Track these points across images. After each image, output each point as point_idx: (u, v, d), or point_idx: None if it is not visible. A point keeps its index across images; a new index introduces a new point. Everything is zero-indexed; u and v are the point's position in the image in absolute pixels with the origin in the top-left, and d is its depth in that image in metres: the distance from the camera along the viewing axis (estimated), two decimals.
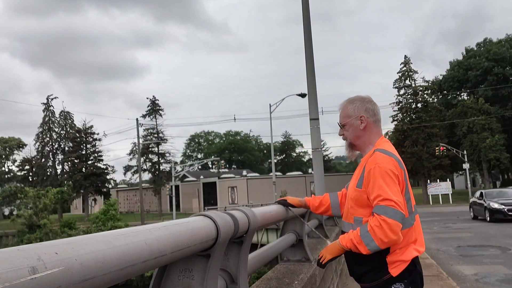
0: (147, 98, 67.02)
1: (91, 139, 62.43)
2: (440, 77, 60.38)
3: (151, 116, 63.52)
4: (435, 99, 57.60)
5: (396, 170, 2.08)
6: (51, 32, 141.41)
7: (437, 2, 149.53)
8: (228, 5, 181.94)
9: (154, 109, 63.86)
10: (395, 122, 55.94)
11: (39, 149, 65.34)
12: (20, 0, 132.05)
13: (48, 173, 64.91)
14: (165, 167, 62.76)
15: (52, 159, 65.95)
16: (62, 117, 67.79)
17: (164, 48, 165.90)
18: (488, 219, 21.40)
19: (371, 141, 2.28)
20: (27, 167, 65.55)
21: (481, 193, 24.15)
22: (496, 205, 21.59)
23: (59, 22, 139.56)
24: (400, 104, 55.40)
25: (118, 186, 76.45)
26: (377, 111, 2.35)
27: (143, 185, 53.36)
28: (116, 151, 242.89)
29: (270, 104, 35.50)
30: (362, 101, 2.33)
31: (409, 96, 55.22)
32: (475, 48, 57.98)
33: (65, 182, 59.24)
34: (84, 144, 62.07)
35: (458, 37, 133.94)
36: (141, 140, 53.54)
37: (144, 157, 61.14)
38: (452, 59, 61.06)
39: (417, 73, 55.90)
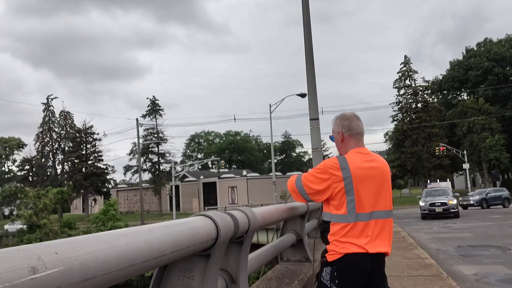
0: (147, 98, 67.08)
1: (91, 139, 62.44)
2: (440, 77, 60.32)
3: (151, 116, 63.56)
4: (435, 99, 57.56)
5: (331, 167, 2.57)
6: (53, 32, 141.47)
7: (436, 3, 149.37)
8: (229, 6, 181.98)
9: (154, 109, 63.86)
10: (395, 122, 55.93)
11: (39, 149, 65.32)
12: (22, 0, 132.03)
13: (48, 173, 64.87)
14: (165, 167, 62.81)
15: (52, 159, 65.93)
16: (62, 117, 67.82)
17: (165, 49, 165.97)
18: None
19: (347, 152, 2.74)
20: (27, 167, 65.55)
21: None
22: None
23: (61, 22, 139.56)
24: (400, 104, 55.40)
25: (118, 186, 76.39)
26: (353, 126, 2.77)
27: (143, 185, 53.34)
28: (116, 151, 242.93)
29: (270, 104, 35.51)
30: (341, 119, 2.81)
31: (409, 96, 55.20)
32: (475, 48, 57.88)
33: (65, 182, 59.21)
34: (84, 144, 62.06)
35: (457, 37, 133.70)
36: (141, 140, 53.51)
37: (144, 157, 61.12)
38: (452, 59, 60.98)
39: (417, 73, 55.98)
